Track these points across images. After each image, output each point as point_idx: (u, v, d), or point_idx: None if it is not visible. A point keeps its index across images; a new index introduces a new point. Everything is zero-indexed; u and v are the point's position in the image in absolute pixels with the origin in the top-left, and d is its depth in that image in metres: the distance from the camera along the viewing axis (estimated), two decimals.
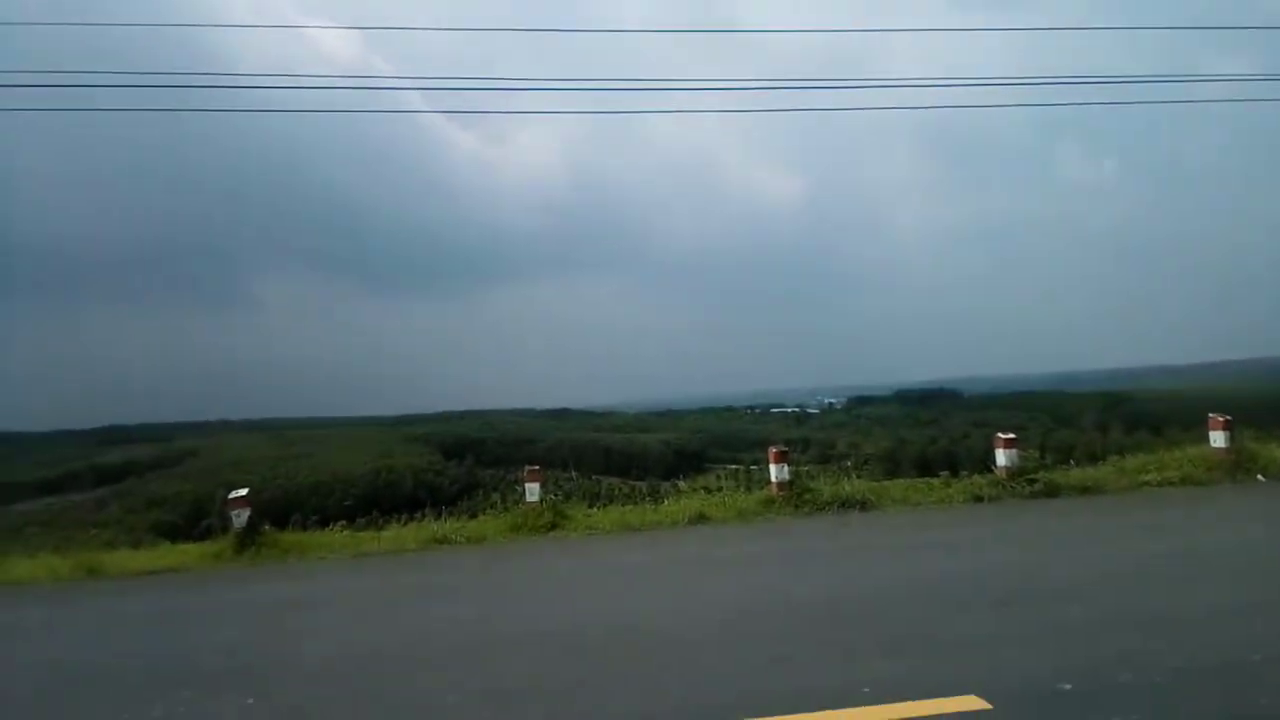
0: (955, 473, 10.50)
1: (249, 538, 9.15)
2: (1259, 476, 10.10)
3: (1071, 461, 11.07)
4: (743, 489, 10.45)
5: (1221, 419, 10.69)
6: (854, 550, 7.77)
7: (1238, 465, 10.29)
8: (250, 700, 4.60)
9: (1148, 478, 10.06)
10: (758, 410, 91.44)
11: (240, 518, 9.25)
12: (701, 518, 9.34)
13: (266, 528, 9.49)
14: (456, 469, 59.88)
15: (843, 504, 9.51)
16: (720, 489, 10.45)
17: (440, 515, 10.84)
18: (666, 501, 10.46)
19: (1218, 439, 10.64)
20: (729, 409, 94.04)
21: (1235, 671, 4.04)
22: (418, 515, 11.80)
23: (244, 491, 9.47)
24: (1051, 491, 9.67)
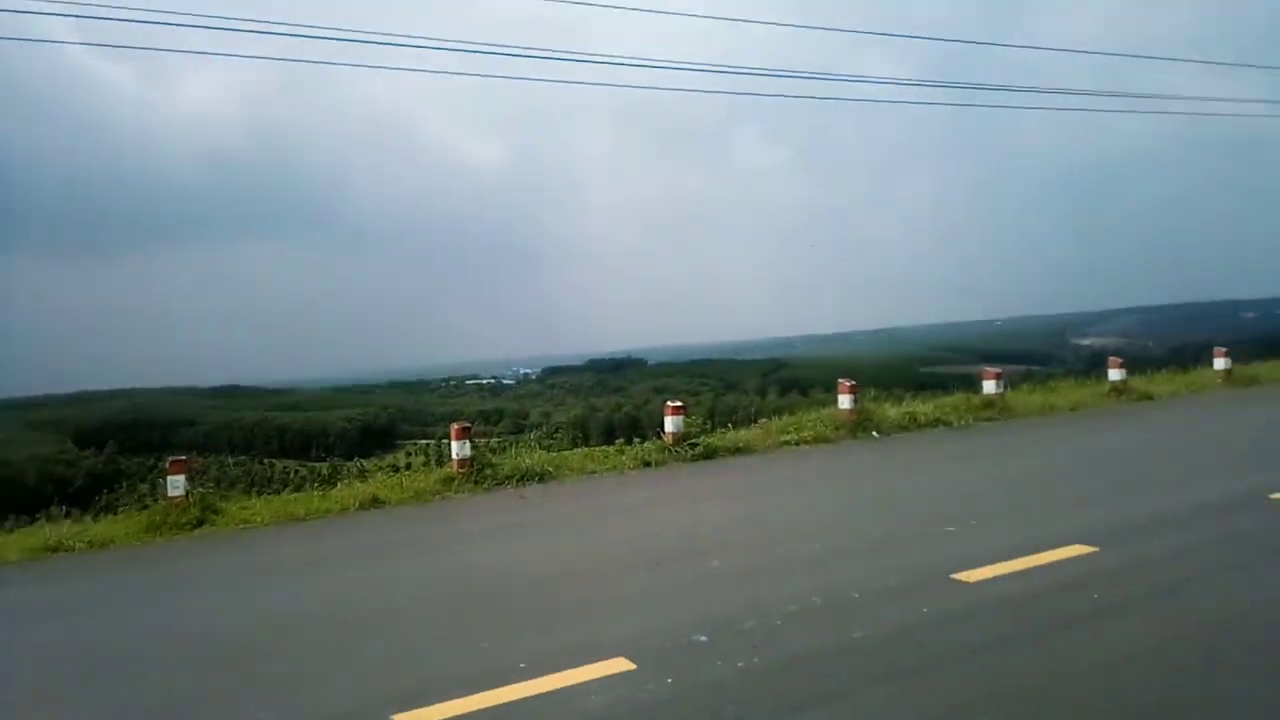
0: (641, 438, 11.08)
1: None
2: (874, 433, 11.87)
3: (729, 425, 12.19)
4: (432, 465, 10.18)
5: (848, 384, 12.39)
6: (524, 526, 7.90)
7: (859, 424, 12.02)
8: None
9: (787, 438, 11.40)
10: (452, 383, 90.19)
11: None
12: (375, 502, 8.95)
13: None
14: (93, 458, 51.80)
15: (522, 477, 9.65)
16: (409, 466, 10.10)
17: (67, 514, 9.33)
18: (339, 485, 9.89)
19: (845, 401, 12.34)
20: (421, 382, 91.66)
21: (840, 609, 4.68)
22: (39, 516, 10.02)
23: None
24: (709, 454, 10.60)
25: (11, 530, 8.45)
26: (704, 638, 4.37)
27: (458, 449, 9.64)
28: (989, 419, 12.81)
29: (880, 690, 3.62)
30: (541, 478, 9.74)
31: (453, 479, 9.43)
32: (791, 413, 12.91)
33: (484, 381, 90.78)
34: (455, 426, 9.79)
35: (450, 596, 5.61)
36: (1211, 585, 4.73)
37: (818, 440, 11.49)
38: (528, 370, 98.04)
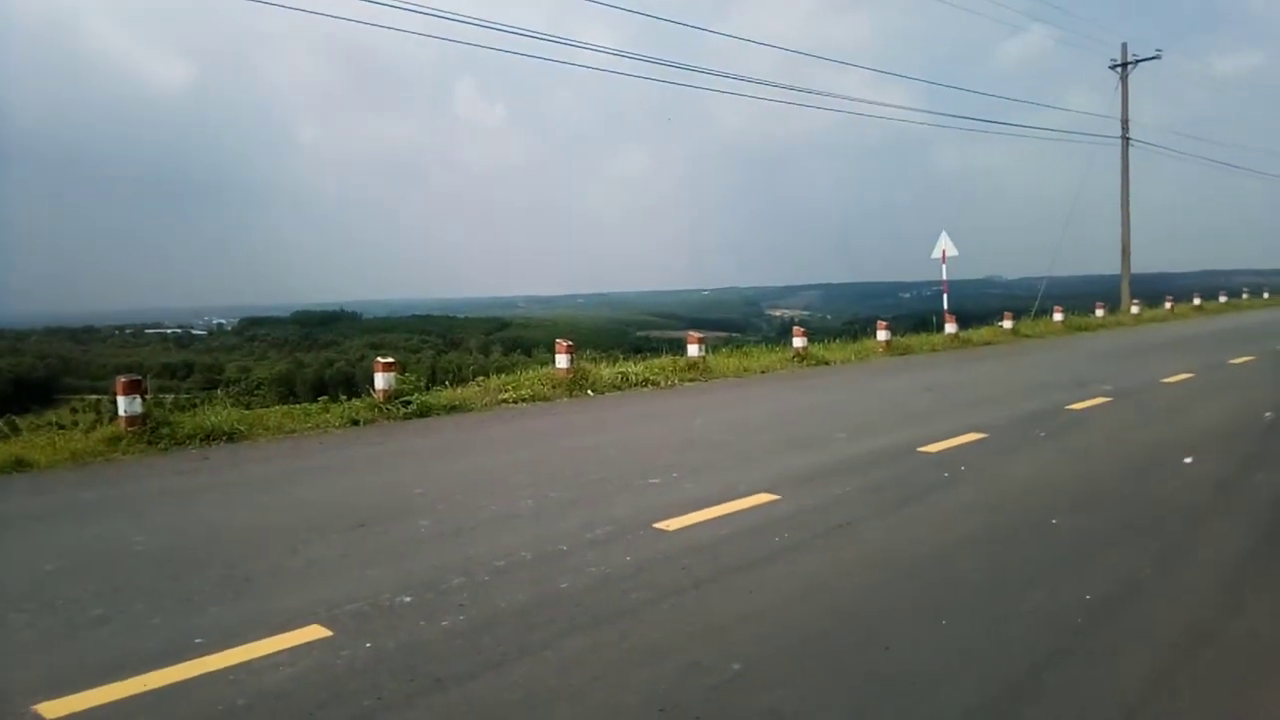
0: (354, 395, 10.40)
1: None
2: (589, 391, 12.19)
3: (446, 383, 11.88)
4: (105, 423, 8.80)
5: (565, 344, 12.61)
6: (207, 489, 7.12)
7: (575, 383, 12.28)
8: None
9: (505, 396, 11.37)
10: (129, 331, 79.24)
11: None
12: (20, 464, 7.60)
13: None
14: None
15: (208, 436, 8.68)
16: (75, 427, 8.63)
17: None
18: None
19: (562, 361, 12.55)
20: (89, 329, 79.50)
21: (548, 562, 4.71)
22: None
23: None
24: (424, 412, 10.26)
25: None
26: (408, 599, 4.19)
27: (125, 405, 8.43)
28: (692, 379, 13.69)
29: (583, 638, 3.69)
30: (231, 437, 8.84)
31: (120, 438, 8.24)
32: (515, 372, 12.89)
33: (168, 331, 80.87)
34: (121, 380, 8.53)
35: (108, 568, 4.88)
36: (872, 524, 5.39)
37: (535, 398, 11.59)
38: (222, 320, 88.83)
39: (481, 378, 12.27)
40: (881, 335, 18.45)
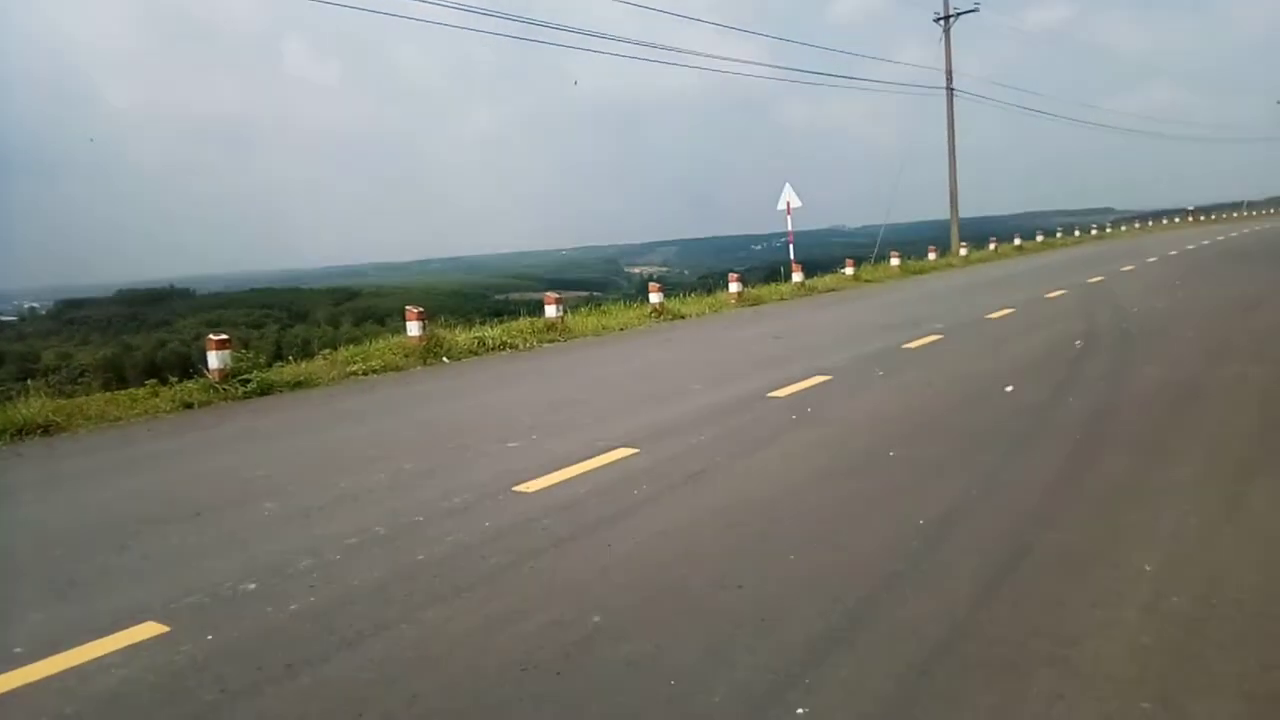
0: (190, 378, 9.67)
1: None
2: (444, 359, 11.90)
3: (290, 358, 11.28)
4: None
5: (416, 311, 12.22)
6: (17, 488, 6.55)
7: (429, 351, 11.95)
8: None
9: (354, 368, 10.92)
10: None
11: None
12: None
13: None
14: None
15: (19, 431, 7.90)
16: None
17: None
18: None
19: (413, 328, 12.17)
20: None
21: (403, 535, 4.60)
22: None
23: None
24: (265, 390, 9.71)
25: None
26: (252, 586, 4.00)
27: None
28: (551, 340, 13.62)
29: (441, 608, 3.63)
30: (47, 430, 8.08)
31: None
32: (366, 343, 12.38)
33: None
34: None
35: None
36: (726, 470, 5.57)
37: (387, 369, 11.20)
38: (35, 303, 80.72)
39: (329, 351, 11.70)
40: (734, 288, 18.95)
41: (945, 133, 34.38)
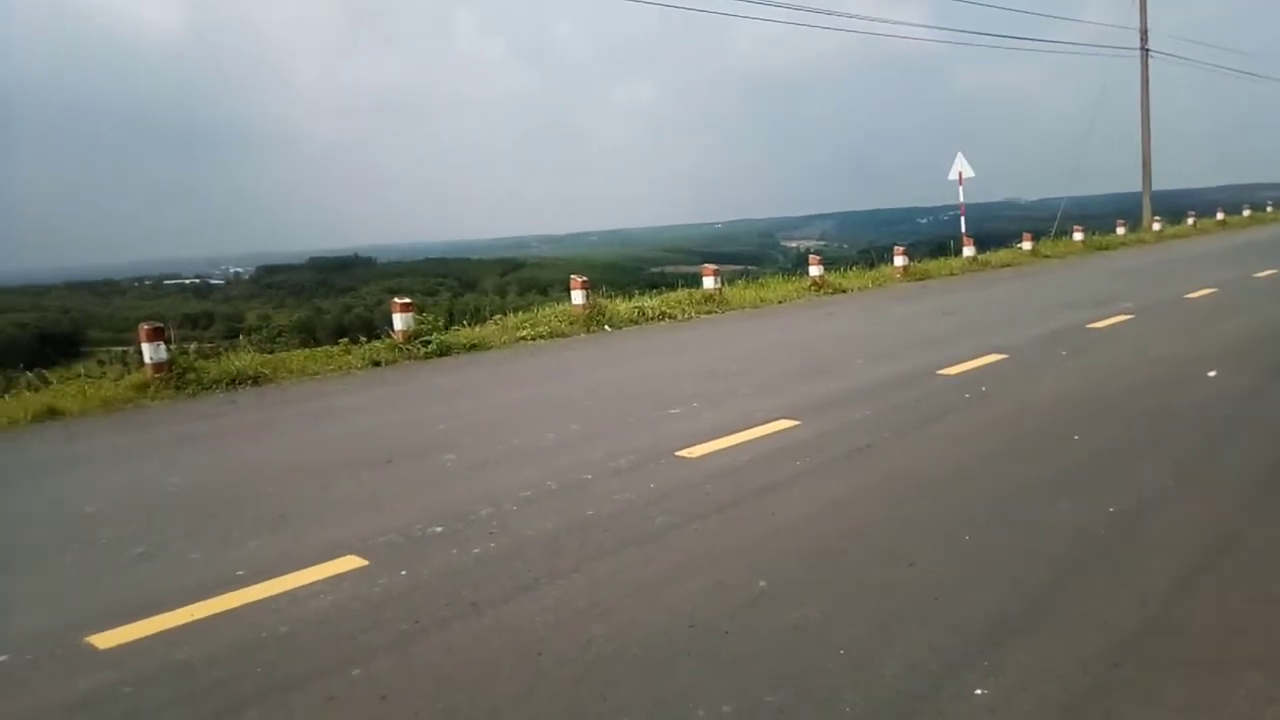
0: (374, 339, 10.46)
1: None
2: (606, 327, 12.21)
3: (465, 322, 11.91)
4: (131, 372, 8.92)
5: (580, 280, 12.58)
6: (236, 430, 7.30)
7: (591, 319, 12.29)
8: None
9: (523, 333, 11.41)
10: (148, 283, 79.69)
11: None
12: (52, 413, 7.76)
13: None
14: None
15: (233, 381, 8.80)
16: (104, 376, 8.77)
17: None
18: (6, 398, 8.44)
19: (577, 297, 12.54)
20: (109, 283, 79.95)
21: (573, 491, 4.79)
22: None
23: None
24: (444, 351, 10.32)
25: None
26: (439, 529, 4.29)
27: (150, 352, 8.53)
28: (709, 312, 13.65)
29: (611, 561, 3.77)
30: (256, 381, 8.95)
31: (148, 385, 8.37)
32: (532, 310, 12.90)
33: (187, 282, 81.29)
34: (144, 327, 8.63)
35: (146, 509, 5.02)
36: (892, 446, 5.42)
37: (553, 335, 11.62)
38: (239, 269, 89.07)
39: (500, 316, 12.28)
40: (899, 261, 18.25)
41: (1137, 97, 31.42)
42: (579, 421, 6.52)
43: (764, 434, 5.78)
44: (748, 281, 17.05)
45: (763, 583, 3.46)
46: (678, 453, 5.40)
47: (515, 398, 8.01)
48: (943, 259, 20.60)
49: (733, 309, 14.09)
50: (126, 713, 2.79)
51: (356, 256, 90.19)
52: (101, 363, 10.53)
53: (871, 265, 19.14)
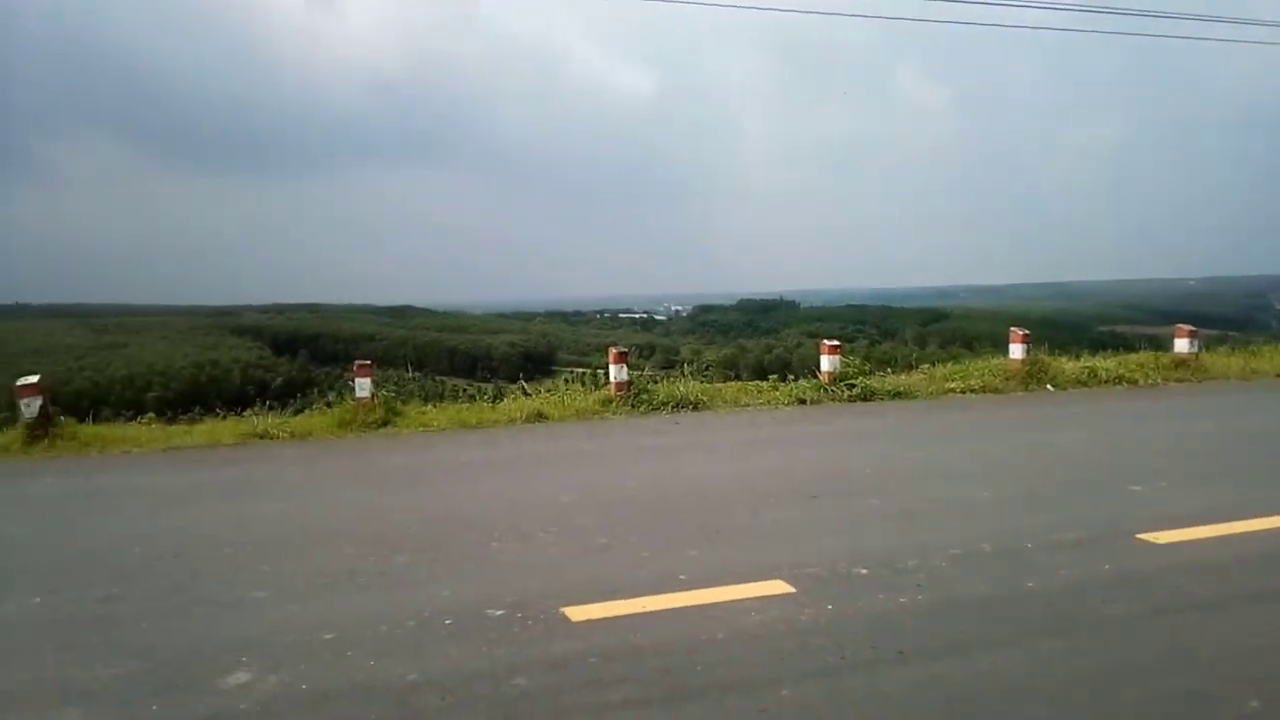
0: (795, 378, 10.95)
1: (41, 429, 8.35)
2: (1048, 386, 11.18)
3: (888, 369, 11.79)
4: (588, 390, 10.47)
5: (1021, 333, 11.70)
6: (682, 448, 8.06)
7: (1031, 375, 11.34)
8: (37, 599, 4.25)
9: (952, 385, 10.92)
10: (606, 315, 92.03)
11: (30, 407, 8.40)
12: (539, 416, 9.36)
13: (62, 419, 8.68)
14: (288, 365, 56.90)
15: (677, 404, 9.78)
16: (576, 390, 10.49)
17: (268, 411, 10.28)
18: (506, 400, 10.38)
19: (1016, 351, 11.66)
20: (578, 313, 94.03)
21: (1011, 558, 4.48)
22: (243, 412, 11.10)
23: (34, 379, 8.57)
24: (867, 396, 10.32)
25: (224, 418, 9.41)
26: (864, 570, 4.31)
27: (615, 372, 9.87)
28: (1180, 379, 11.75)
29: (1054, 642, 3.45)
30: (695, 406, 9.83)
31: (610, 401, 9.68)
32: (965, 362, 12.32)
33: (637, 315, 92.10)
34: (613, 351, 10.02)
35: (609, 505, 5.78)
36: None
37: (986, 389, 10.94)
38: (679, 307, 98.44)
39: (927, 366, 11.94)
40: None
41: None
42: (1016, 484, 6.07)
43: (1255, 529, 4.84)
44: (1232, 348, 14.34)
45: (1255, 703, 2.90)
46: (1139, 535, 4.75)
47: (944, 448, 7.72)
48: None
49: (1211, 378, 11.96)
50: (590, 680, 3.24)
51: (781, 300, 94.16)
52: (567, 381, 12.34)
53: None
